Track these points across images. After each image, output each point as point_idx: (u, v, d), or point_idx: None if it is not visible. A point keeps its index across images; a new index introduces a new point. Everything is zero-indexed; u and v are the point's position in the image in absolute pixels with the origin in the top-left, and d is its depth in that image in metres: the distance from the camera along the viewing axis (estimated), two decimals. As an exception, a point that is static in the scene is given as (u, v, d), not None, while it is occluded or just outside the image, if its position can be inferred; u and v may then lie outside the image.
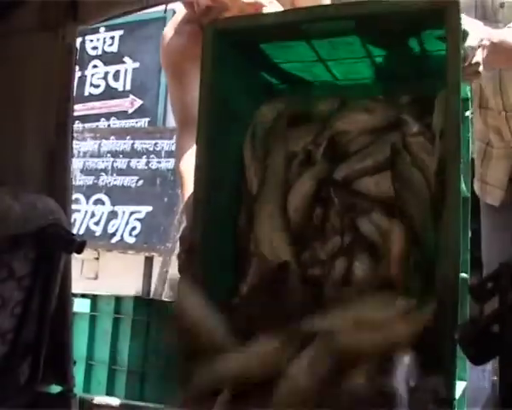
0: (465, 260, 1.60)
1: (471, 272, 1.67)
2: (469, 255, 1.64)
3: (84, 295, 3.62)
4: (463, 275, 1.53)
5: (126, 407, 2.20)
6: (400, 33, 1.56)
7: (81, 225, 6.03)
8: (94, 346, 3.60)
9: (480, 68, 1.62)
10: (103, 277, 5.82)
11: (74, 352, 2.24)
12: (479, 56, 1.61)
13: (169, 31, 2.36)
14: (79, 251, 1.85)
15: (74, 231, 4.14)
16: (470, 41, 1.58)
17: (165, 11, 4.88)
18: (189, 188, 1.82)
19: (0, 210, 1.69)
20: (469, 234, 1.65)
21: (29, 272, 1.87)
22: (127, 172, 6.01)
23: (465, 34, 1.54)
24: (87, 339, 3.57)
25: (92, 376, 3.55)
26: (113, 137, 6.27)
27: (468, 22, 1.57)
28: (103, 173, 6.15)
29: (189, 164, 1.82)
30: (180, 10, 2.18)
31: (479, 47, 1.61)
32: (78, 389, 2.25)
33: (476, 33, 1.60)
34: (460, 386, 1.53)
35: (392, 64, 1.67)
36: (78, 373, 2.98)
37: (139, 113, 6.48)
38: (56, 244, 1.84)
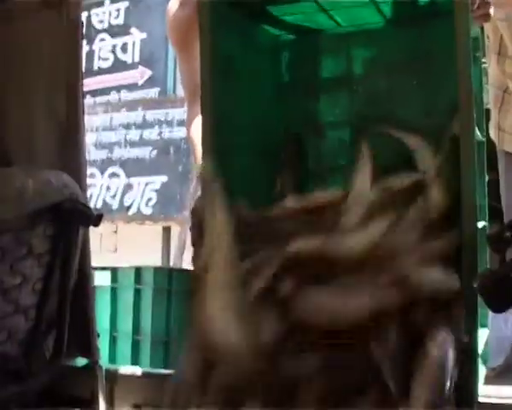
0: (483, 206, 1.58)
1: (491, 222, 1.66)
2: (487, 202, 1.63)
3: (103, 268, 3.63)
4: (482, 223, 1.52)
5: (150, 376, 2.23)
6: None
7: (97, 199, 6.05)
8: (116, 318, 3.62)
9: (491, 10, 1.60)
10: (122, 249, 5.85)
11: (97, 325, 2.26)
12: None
13: (174, 3, 2.35)
14: (97, 224, 1.86)
15: (91, 205, 4.16)
16: None
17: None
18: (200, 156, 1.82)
19: (15, 187, 1.70)
20: (486, 179, 1.63)
21: (48, 249, 1.88)
22: (140, 143, 6.02)
23: None
24: (109, 311, 3.60)
25: (116, 347, 3.58)
26: (124, 110, 6.26)
27: None
28: (116, 146, 6.16)
29: (199, 132, 1.82)
30: None
31: None
32: (103, 361, 2.27)
33: None
34: (483, 334, 1.53)
35: (398, 11, 1.66)
36: (103, 345, 3.00)
37: (149, 83, 6.47)
38: (73, 219, 1.85)
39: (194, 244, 1.74)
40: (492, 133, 2.44)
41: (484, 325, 1.56)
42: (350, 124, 1.87)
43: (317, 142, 1.87)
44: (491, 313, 1.56)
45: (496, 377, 2.80)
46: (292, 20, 1.75)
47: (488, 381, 1.64)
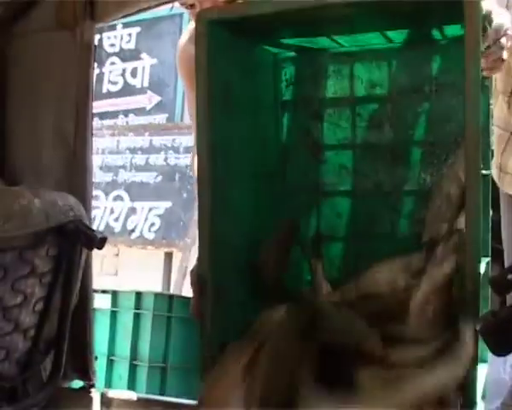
0: (485, 241, 1.58)
1: (492, 263, 1.66)
2: (490, 239, 1.62)
3: (104, 291, 3.63)
4: (486, 259, 1.52)
5: (146, 401, 2.22)
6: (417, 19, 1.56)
7: (101, 221, 6.06)
8: (115, 341, 3.61)
9: (504, 55, 1.59)
10: (123, 273, 5.85)
11: (96, 347, 2.25)
12: (503, 43, 1.58)
13: (184, 39, 2.38)
14: (101, 247, 1.86)
15: (94, 227, 4.18)
16: (495, 24, 1.54)
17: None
18: None
19: (21, 205, 1.70)
20: (490, 213, 1.62)
21: (51, 269, 1.88)
22: (146, 168, 6.03)
23: (490, 20, 1.51)
24: (108, 335, 3.59)
25: (113, 371, 3.57)
26: (131, 134, 6.28)
27: (493, 9, 1.54)
28: (122, 170, 6.17)
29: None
30: None
31: (504, 35, 1.57)
32: (99, 385, 2.26)
33: (502, 19, 1.56)
34: (482, 369, 1.53)
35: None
36: (100, 369, 3.00)
37: (157, 109, 6.50)
38: (77, 240, 1.85)
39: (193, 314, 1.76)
40: (494, 174, 2.44)
41: (484, 360, 1.56)
42: (352, 148, 1.87)
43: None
44: (490, 356, 1.55)
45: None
46: (293, 41, 1.75)
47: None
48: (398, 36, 1.69)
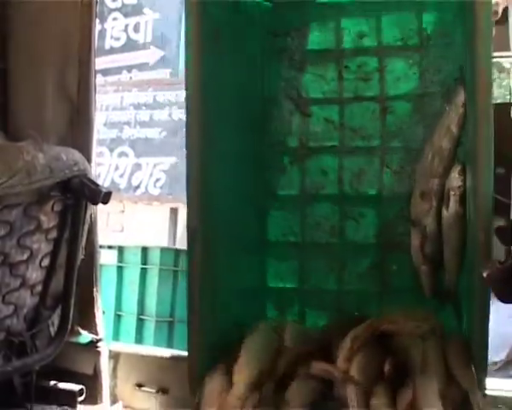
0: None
1: (498, 216, 1.66)
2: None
3: (110, 247, 3.64)
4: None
5: (154, 355, 2.23)
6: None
7: (106, 178, 6.05)
8: (122, 296, 3.63)
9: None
10: (129, 229, 5.85)
11: (103, 303, 2.26)
12: None
13: None
14: (105, 201, 1.86)
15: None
16: None
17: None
18: None
19: (25, 161, 1.70)
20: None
21: (56, 224, 1.88)
22: (150, 123, 6.00)
23: None
24: (115, 290, 3.61)
25: (121, 326, 3.58)
26: (135, 90, 6.24)
27: None
28: (126, 126, 6.14)
29: None
30: None
31: None
32: (107, 339, 2.28)
33: None
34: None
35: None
36: (107, 324, 3.01)
37: (160, 64, 6.43)
38: (82, 195, 1.84)
39: None
40: None
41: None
42: (339, 101, 1.85)
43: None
44: (495, 309, 1.56)
45: (498, 370, 2.81)
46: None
47: (490, 374, 1.65)
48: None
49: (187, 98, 1.62)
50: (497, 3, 1.84)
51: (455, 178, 1.69)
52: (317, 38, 1.88)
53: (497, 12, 1.92)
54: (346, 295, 1.88)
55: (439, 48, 1.76)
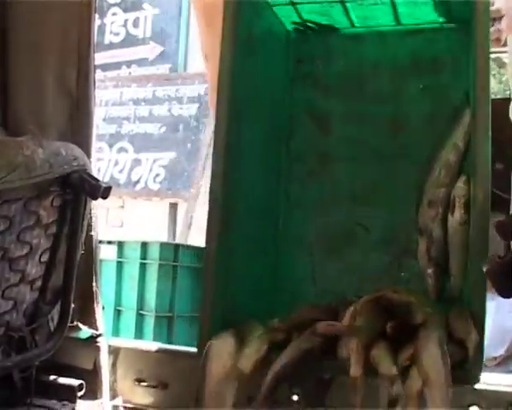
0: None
1: (497, 212, 1.69)
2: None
3: (110, 242, 3.64)
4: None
5: (153, 350, 2.24)
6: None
7: (105, 173, 6.06)
8: (122, 291, 3.63)
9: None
10: (129, 224, 5.86)
11: (102, 298, 2.26)
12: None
13: None
14: (105, 196, 1.86)
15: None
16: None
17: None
18: None
19: (25, 156, 1.70)
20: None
21: (55, 220, 1.88)
22: (149, 119, 6.01)
23: None
24: (115, 285, 3.61)
25: (121, 321, 3.59)
26: (134, 85, 6.25)
27: None
28: (126, 121, 6.15)
29: None
30: None
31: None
32: (106, 335, 2.28)
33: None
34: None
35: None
36: (107, 319, 3.02)
37: (160, 59, 6.45)
38: (82, 190, 1.84)
39: None
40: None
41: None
42: (356, 119, 2.01)
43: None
44: (495, 304, 1.58)
45: (497, 365, 2.81)
46: (307, 9, 1.81)
47: (489, 369, 1.65)
48: (406, 18, 1.83)
49: (217, 106, 1.69)
50: (498, 30, 1.92)
51: (460, 188, 1.79)
52: (339, 64, 2.03)
53: (499, 39, 1.99)
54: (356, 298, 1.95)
55: (449, 73, 1.89)
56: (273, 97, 1.99)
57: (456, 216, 1.79)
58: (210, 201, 1.77)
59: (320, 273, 2.09)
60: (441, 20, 1.81)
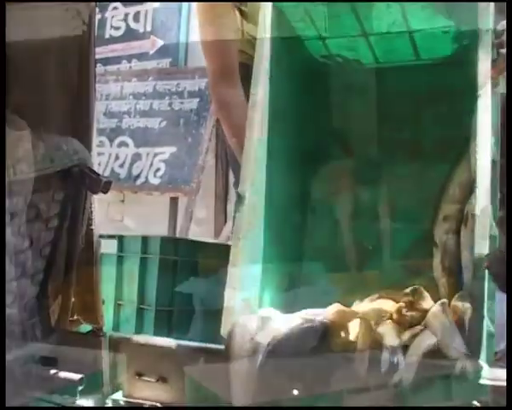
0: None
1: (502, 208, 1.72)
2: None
3: (110, 236, 3.63)
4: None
5: (154, 345, 2.24)
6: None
7: (106, 168, 6.05)
8: (122, 286, 3.62)
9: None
10: (129, 219, 5.85)
11: (103, 292, 2.27)
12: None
13: None
14: (105, 190, 1.86)
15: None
16: None
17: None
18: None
19: (26, 149, 1.70)
20: None
21: (56, 213, 1.89)
22: (150, 113, 5.99)
23: None
24: (115, 279, 3.60)
25: (121, 315, 3.59)
26: (134, 79, 6.24)
27: None
28: (126, 115, 6.14)
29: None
30: None
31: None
32: (107, 329, 2.28)
33: None
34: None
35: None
36: (107, 313, 3.02)
37: (160, 53, 6.43)
38: (82, 184, 1.85)
39: None
40: None
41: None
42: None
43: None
44: (497, 299, 1.59)
45: (498, 360, 2.82)
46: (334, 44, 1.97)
47: (490, 364, 1.66)
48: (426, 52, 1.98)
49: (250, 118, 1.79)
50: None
51: (472, 203, 1.86)
52: (358, 99, 2.19)
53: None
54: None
55: (460, 103, 1.99)
56: (299, 122, 2.13)
57: (469, 227, 1.86)
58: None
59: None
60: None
